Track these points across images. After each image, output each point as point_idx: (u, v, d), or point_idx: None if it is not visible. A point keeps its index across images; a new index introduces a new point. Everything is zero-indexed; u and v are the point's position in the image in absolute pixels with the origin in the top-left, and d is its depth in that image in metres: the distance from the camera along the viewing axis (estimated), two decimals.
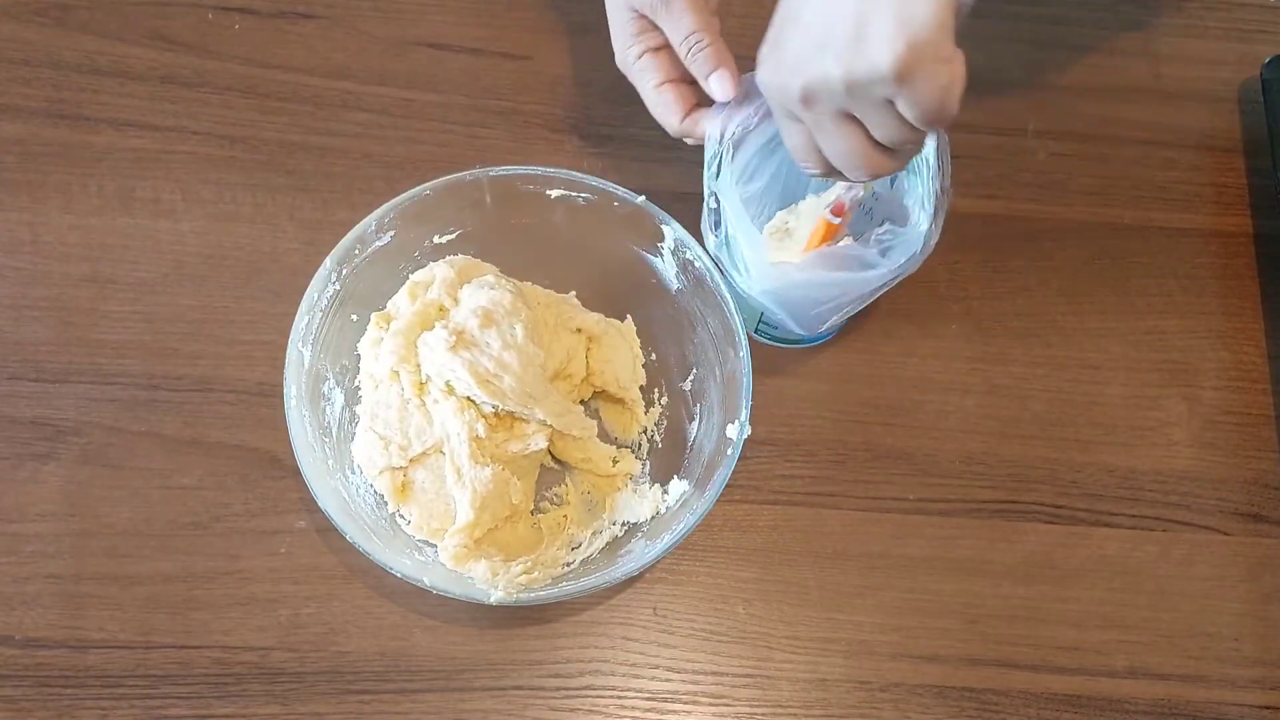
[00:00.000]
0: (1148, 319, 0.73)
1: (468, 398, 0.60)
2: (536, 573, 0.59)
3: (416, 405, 0.61)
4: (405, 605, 0.63)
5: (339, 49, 0.76)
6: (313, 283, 0.60)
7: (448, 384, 0.60)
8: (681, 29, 0.57)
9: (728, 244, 0.60)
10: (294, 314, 0.59)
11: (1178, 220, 0.76)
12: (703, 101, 0.60)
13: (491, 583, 0.58)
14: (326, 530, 0.62)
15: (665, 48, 0.59)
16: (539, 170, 0.63)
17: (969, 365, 0.71)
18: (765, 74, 0.52)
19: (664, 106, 0.60)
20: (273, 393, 0.66)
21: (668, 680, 0.63)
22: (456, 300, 0.63)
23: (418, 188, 0.62)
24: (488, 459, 0.60)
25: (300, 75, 0.75)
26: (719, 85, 0.57)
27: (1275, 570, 0.67)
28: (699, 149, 0.60)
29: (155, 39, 0.75)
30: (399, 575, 0.56)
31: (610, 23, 0.61)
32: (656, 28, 0.59)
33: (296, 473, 0.57)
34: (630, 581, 0.64)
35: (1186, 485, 0.69)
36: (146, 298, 0.68)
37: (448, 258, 0.65)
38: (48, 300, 0.68)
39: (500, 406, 0.60)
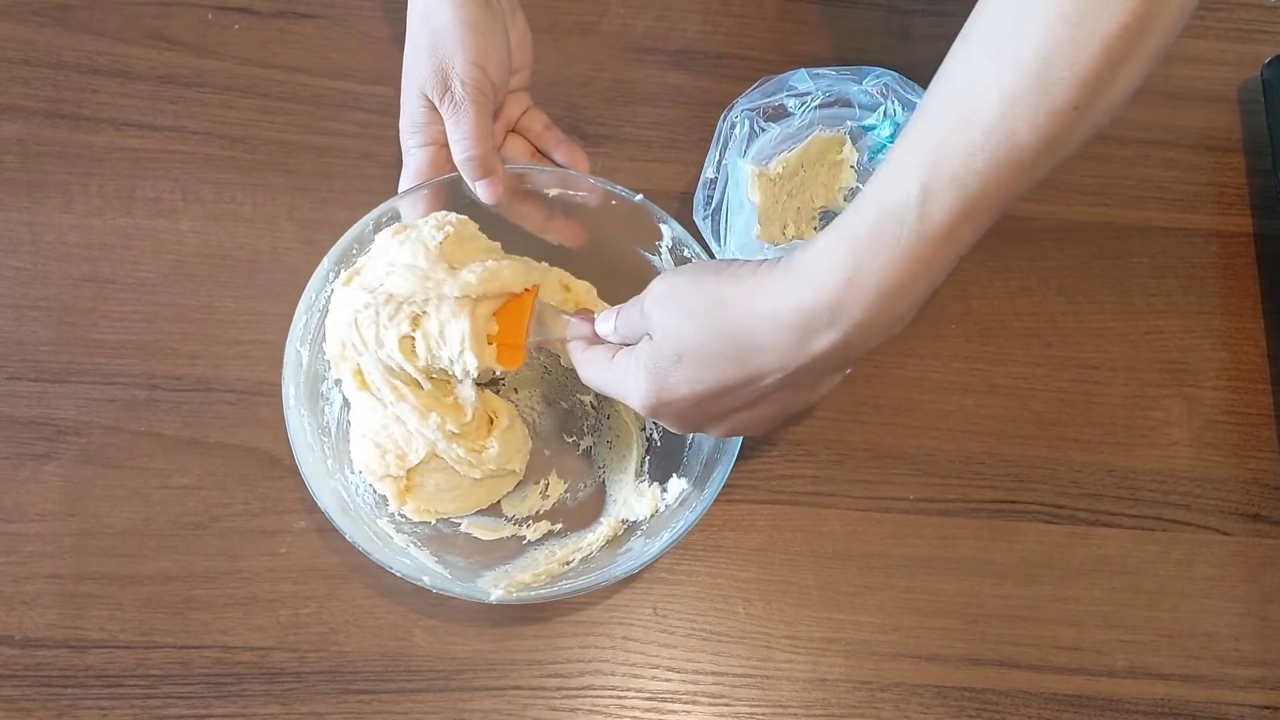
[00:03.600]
0: (1148, 319, 0.73)
1: (416, 383, 0.58)
2: (538, 570, 0.59)
3: (392, 419, 0.59)
4: (405, 605, 0.63)
5: (339, 49, 0.76)
6: (311, 282, 0.60)
7: (358, 367, 0.58)
8: (461, 129, 0.59)
9: (715, 216, 0.65)
10: (293, 314, 0.59)
11: (1178, 220, 0.76)
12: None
13: (492, 582, 0.58)
14: (326, 530, 0.62)
15: (445, 145, 0.61)
16: (538, 169, 0.63)
17: (969, 365, 0.71)
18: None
19: (411, 204, 0.61)
20: (273, 393, 0.66)
21: (668, 680, 0.63)
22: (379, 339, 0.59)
23: (417, 187, 0.62)
24: (482, 444, 0.61)
25: (300, 75, 0.75)
26: (484, 191, 0.60)
27: (1275, 570, 0.67)
28: (698, 150, 0.60)
29: (155, 39, 0.75)
30: (399, 575, 0.56)
31: (402, 100, 0.61)
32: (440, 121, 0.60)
33: (296, 473, 0.57)
34: (630, 581, 0.64)
35: (1186, 485, 0.69)
36: (146, 298, 0.68)
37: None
38: (48, 300, 0.68)
39: (412, 335, 0.56)
